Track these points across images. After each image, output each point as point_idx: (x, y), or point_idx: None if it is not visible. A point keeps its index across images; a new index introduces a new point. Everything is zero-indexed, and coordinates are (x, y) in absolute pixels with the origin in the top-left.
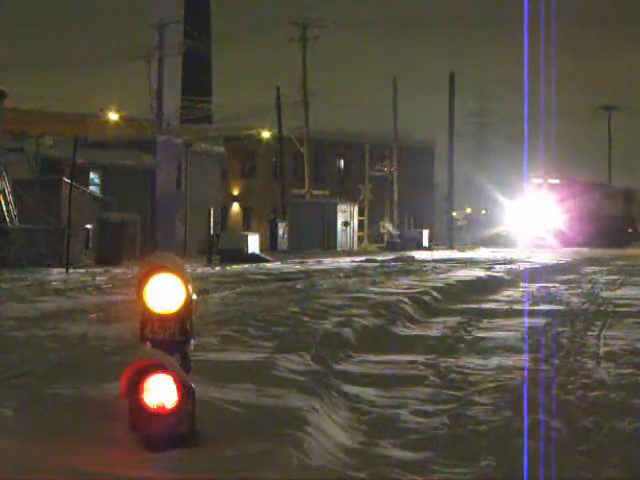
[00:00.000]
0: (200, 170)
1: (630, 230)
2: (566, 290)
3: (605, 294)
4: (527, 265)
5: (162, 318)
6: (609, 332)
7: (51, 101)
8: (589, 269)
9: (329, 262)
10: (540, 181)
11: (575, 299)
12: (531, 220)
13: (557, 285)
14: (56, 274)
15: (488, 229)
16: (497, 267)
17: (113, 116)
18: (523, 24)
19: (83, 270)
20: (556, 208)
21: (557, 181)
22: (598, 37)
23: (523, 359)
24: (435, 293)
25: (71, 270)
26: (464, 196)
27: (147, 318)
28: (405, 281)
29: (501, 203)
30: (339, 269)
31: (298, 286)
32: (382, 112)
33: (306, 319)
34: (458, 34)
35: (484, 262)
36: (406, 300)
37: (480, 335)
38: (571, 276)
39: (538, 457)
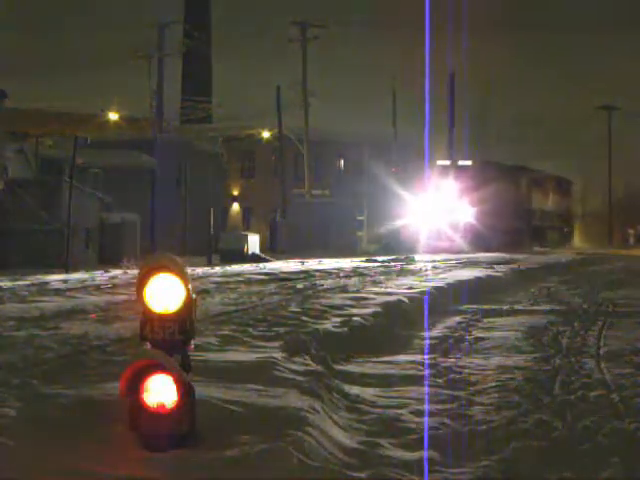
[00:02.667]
0: (200, 170)
1: (566, 229)
2: None
3: None
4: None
5: (162, 318)
6: None
7: (51, 101)
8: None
9: (329, 262)
10: (446, 163)
11: None
12: (432, 215)
13: None
14: (56, 274)
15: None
16: None
17: (113, 116)
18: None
19: (83, 270)
20: (467, 199)
21: (469, 163)
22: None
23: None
24: (435, 293)
25: (71, 270)
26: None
27: (147, 318)
28: (405, 281)
29: (398, 195)
30: (339, 269)
31: (298, 286)
32: (382, 112)
33: (306, 319)
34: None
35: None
36: (406, 300)
37: (480, 335)
38: None
39: (538, 457)
